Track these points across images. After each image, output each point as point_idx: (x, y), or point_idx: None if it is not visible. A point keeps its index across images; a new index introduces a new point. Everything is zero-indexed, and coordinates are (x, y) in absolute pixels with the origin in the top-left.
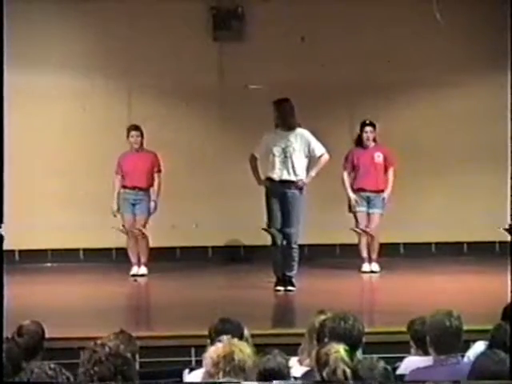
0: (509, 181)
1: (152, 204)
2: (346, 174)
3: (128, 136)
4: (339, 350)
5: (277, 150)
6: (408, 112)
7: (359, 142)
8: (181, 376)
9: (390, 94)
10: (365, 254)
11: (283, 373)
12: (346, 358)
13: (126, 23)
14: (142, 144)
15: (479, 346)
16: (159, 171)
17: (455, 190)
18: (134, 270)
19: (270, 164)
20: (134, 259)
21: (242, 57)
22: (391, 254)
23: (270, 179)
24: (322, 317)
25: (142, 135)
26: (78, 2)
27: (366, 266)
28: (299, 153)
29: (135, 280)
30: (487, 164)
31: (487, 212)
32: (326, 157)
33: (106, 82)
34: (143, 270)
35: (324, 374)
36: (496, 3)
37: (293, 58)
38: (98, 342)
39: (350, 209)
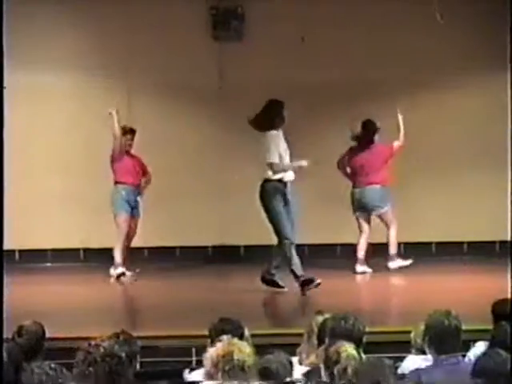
0: (509, 180)
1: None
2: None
3: (124, 136)
4: (350, 348)
5: (284, 150)
6: (408, 112)
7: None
8: (181, 376)
9: (391, 94)
10: (361, 254)
11: (284, 373)
12: (357, 357)
13: (125, 23)
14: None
15: (480, 347)
16: (148, 173)
17: (455, 190)
18: (120, 269)
19: (281, 166)
20: (120, 260)
21: (241, 56)
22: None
23: (280, 181)
24: (320, 317)
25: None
26: (78, 2)
27: (359, 267)
28: None
29: (135, 280)
30: (487, 164)
31: (487, 212)
32: None
33: (105, 81)
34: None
35: (335, 372)
36: (496, 3)
37: (293, 57)
38: (93, 342)
39: (355, 211)
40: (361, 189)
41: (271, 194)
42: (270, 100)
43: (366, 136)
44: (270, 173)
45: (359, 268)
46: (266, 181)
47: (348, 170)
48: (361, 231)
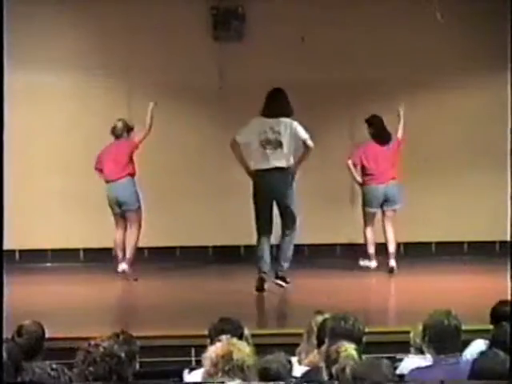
0: (509, 181)
1: None
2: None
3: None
4: (350, 348)
5: None
6: (408, 112)
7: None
8: (181, 376)
9: (391, 93)
10: (372, 249)
11: (284, 373)
12: (356, 357)
13: (126, 23)
14: None
15: (477, 345)
16: None
17: (455, 189)
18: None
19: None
20: (121, 254)
21: (241, 57)
22: None
23: None
24: (320, 317)
25: None
26: (79, 2)
27: (373, 264)
28: None
29: (135, 279)
30: (487, 164)
31: (487, 212)
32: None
33: (106, 81)
34: (125, 266)
35: (333, 371)
36: (496, 3)
37: (293, 57)
38: (92, 342)
39: (370, 206)
40: (385, 184)
41: (293, 180)
42: (277, 88)
43: (383, 131)
44: (292, 158)
45: (373, 263)
46: (289, 168)
47: (358, 166)
48: (367, 226)
